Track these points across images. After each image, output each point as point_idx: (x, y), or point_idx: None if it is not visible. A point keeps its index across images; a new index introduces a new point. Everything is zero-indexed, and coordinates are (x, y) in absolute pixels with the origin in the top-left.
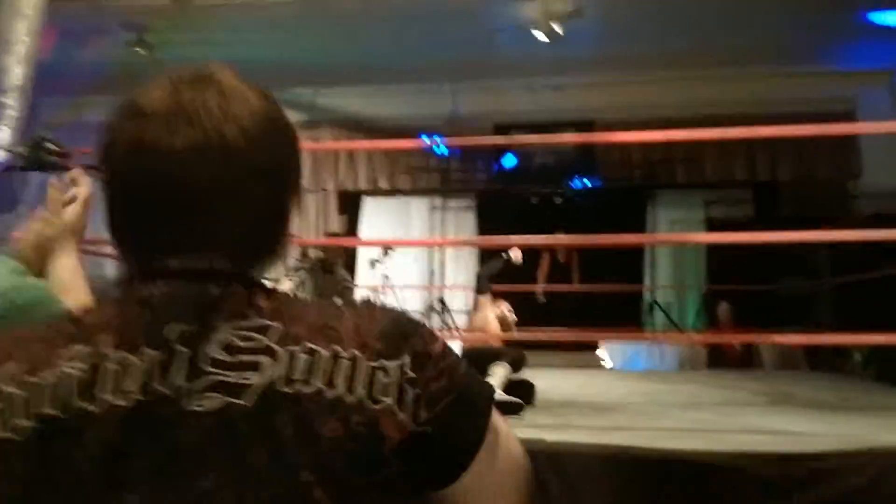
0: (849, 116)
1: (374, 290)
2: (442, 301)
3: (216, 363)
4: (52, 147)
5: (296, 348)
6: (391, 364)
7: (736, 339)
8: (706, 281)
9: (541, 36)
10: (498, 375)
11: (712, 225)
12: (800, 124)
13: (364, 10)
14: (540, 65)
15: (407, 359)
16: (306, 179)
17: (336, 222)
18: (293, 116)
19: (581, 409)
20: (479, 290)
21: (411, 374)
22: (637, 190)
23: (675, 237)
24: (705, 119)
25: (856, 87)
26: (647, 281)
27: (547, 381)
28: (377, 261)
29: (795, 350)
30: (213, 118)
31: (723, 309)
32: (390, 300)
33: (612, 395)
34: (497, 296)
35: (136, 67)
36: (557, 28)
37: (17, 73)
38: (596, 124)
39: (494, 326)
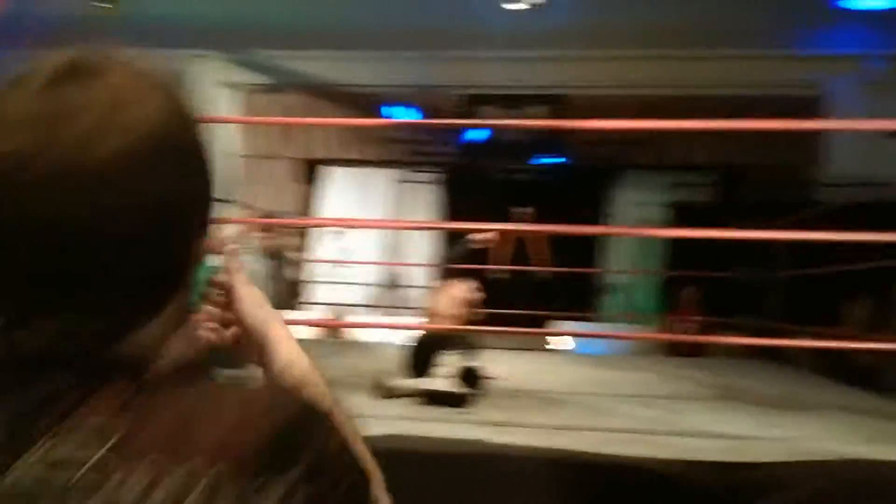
0: (817, 101)
1: (332, 263)
2: (397, 279)
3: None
4: None
5: (133, 466)
6: (275, 482)
7: (688, 339)
8: (666, 265)
9: (515, 6)
10: (448, 363)
11: (676, 208)
12: (768, 107)
13: None
14: (512, 36)
15: (298, 472)
16: (269, 146)
17: (297, 191)
18: (259, 79)
19: (528, 401)
20: (442, 274)
21: (302, 491)
22: (603, 170)
23: (632, 232)
24: (676, 98)
25: (824, 71)
26: (607, 263)
27: (497, 365)
28: (336, 233)
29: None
30: (88, 133)
31: (688, 292)
32: (348, 274)
33: (561, 384)
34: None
35: (100, 22)
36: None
37: None
38: (567, 99)
39: (454, 309)
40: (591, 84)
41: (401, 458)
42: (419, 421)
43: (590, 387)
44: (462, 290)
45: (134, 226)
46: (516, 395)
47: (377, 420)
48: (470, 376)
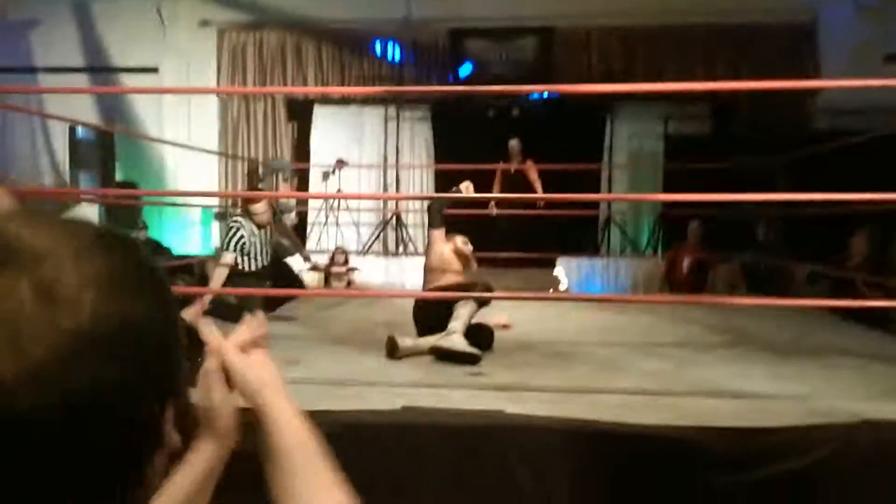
0: (810, 27)
1: (327, 204)
2: (398, 218)
3: None
4: None
5: None
6: None
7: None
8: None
9: None
10: (461, 318)
11: (670, 141)
12: (762, 35)
13: None
14: None
15: None
16: (255, 83)
17: (285, 131)
18: (237, 17)
19: (539, 358)
20: (431, 224)
21: None
22: (596, 103)
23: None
24: (667, 28)
25: None
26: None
27: (504, 311)
28: (329, 174)
29: (738, 272)
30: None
31: (693, 227)
32: (343, 216)
33: (569, 333)
34: (451, 226)
35: None
36: None
37: None
38: (556, 32)
39: (450, 260)
40: (581, 14)
41: (419, 431)
42: (434, 387)
43: (598, 336)
44: (455, 243)
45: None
46: (527, 350)
47: (393, 388)
48: (479, 334)
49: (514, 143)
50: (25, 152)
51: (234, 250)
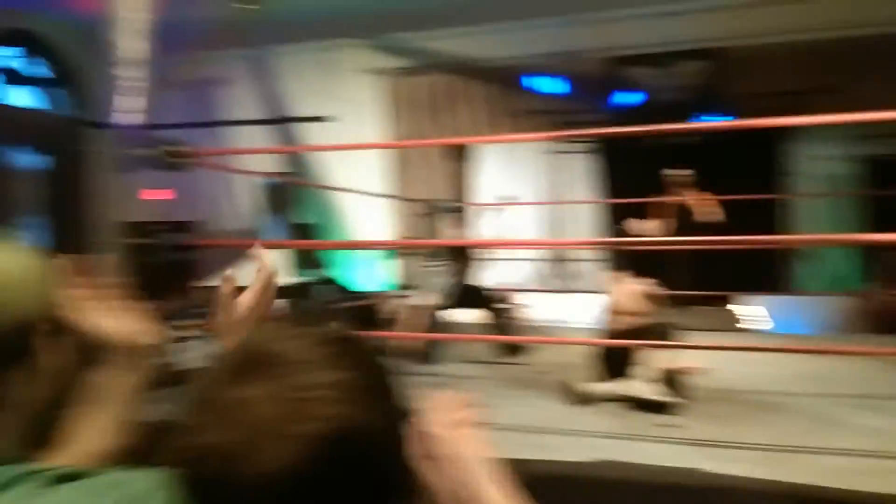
0: None
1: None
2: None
3: None
4: (176, 149)
5: None
6: None
7: None
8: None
9: None
10: (649, 364)
11: (871, 163)
12: None
13: None
14: None
15: None
16: (419, 129)
17: (452, 171)
18: (404, 62)
19: (740, 408)
20: (613, 265)
21: None
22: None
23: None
24: (849, 41)
25: None
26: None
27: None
28: (494, 211)
29: None
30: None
31: None
32: (508, 252)
33: (768, 380)
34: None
35: (248, 22)
36: None
37: (136, 48)
38: (727, 52)
39: (634, 302)
40: (755, 32)
41: (612, 486)
42: (625, 438)
43: (804, 384)
44: (642, 287)
45: None
46: (725, 399)
47: (584, 437)
48: (672, 379)
49: (674, 172)
50: (217, 198)
51: None
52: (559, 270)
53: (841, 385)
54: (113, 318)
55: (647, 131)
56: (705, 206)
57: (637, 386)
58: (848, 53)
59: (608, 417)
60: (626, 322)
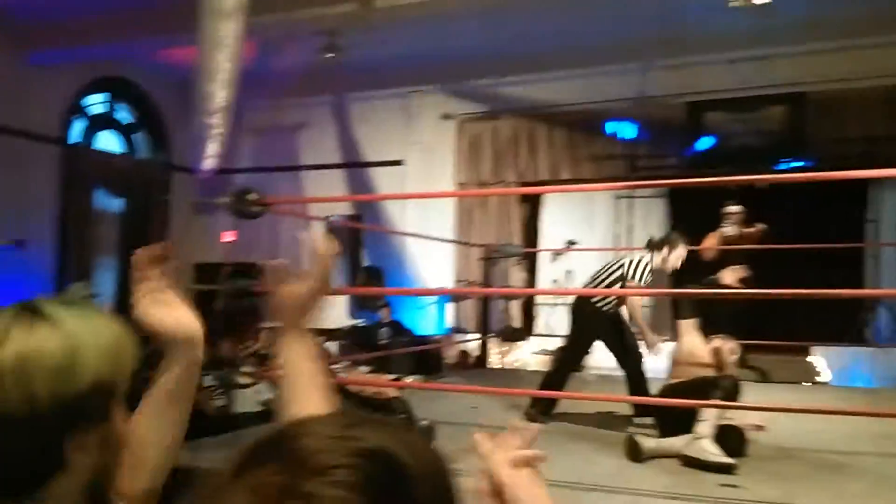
0: None
1: (556, 284)
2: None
3: None
4: (254, 198)
5: None
6: None
7: None
8: None
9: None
10: (709, 420)
11: None
12: None
13: None
14: (739, 36)
15: None
16: (488, 172)
17: (517, 215)
18: (475, 107)
19: (803, 468)
20: (680, 314)
21: None
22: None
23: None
24: None
25: None
26: (868, 279)
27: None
28: (559, 254)
29: None
30: None
31: None
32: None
33: (835, 439)
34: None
35: (328, 70)
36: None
37: (221, 96)
38: (807, 97)
39: (701, 354)
40: (835, 77)
41: None
42: (683, 499)
43: (873, 444)
44: (713, 339)
45: None
46: (787, 458)
47: (638, 497)
48: (730, 437)
49: (734, 209)
50: (290, 242)
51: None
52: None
53: None
54: (171, 310)
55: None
56: (754, 236)
57: (696, 446)
58: None
59: (666, 475)
60: (690, 373)
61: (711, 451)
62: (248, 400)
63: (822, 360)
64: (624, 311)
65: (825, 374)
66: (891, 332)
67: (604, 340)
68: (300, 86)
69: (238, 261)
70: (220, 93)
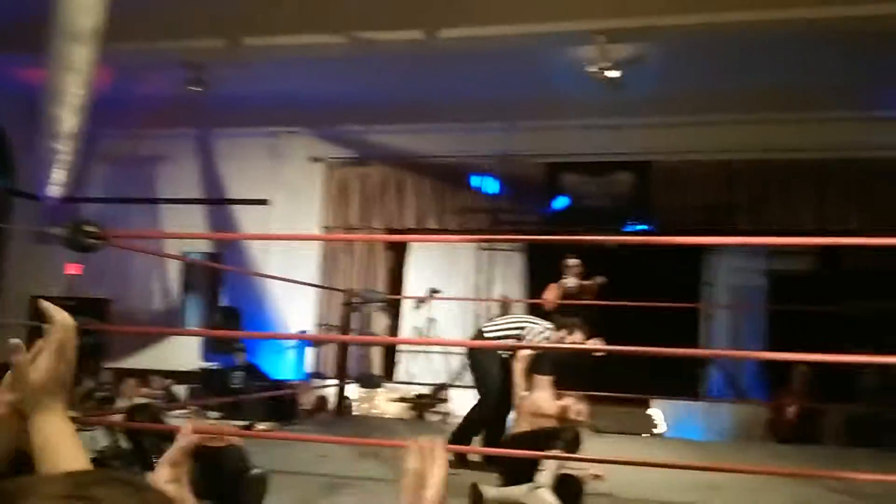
0: None
1: (417, 331)
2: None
3: None
4: (91, 230)
5: None
6: None
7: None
8: (768, 339)
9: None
10: (549, 469)
11: (774, 277)
12: (873, 170)
13: (415, 50)
14: (596, 105)
15: None
16: (355, 217)
17: (382, 262)
18: (344, 153)
19: None
20: (539, 369)
21: None
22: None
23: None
24: (768, 163)
25: None
26: (702, 337)
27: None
28: (422, 301)
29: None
30: None
31: (799, 372)
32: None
33: (668, 490)
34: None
35: (192, 103)
36: (615, 73)
37: (70, 121)
38: (653, 166)
39: (550, 409)
40: (679, 148)
41: None
42: None
43: (702, 495)
44: (569, 403)
45: None
46: None
47: None
48: (568, 487)
49: (573, 261)
50: (141, 276)
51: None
52: None
53: (736, 496)
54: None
55: (573, 239)
56: (592, 288)
57: (536, 495)
58: (771, 173)
59: None
60: (535, 425)
61: (549, 500)
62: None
63: (659, 412)
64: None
65: (662, 426)
66: (721, 387)
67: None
68: (161, 117)
69: (83, 295)
70: (69, 118)
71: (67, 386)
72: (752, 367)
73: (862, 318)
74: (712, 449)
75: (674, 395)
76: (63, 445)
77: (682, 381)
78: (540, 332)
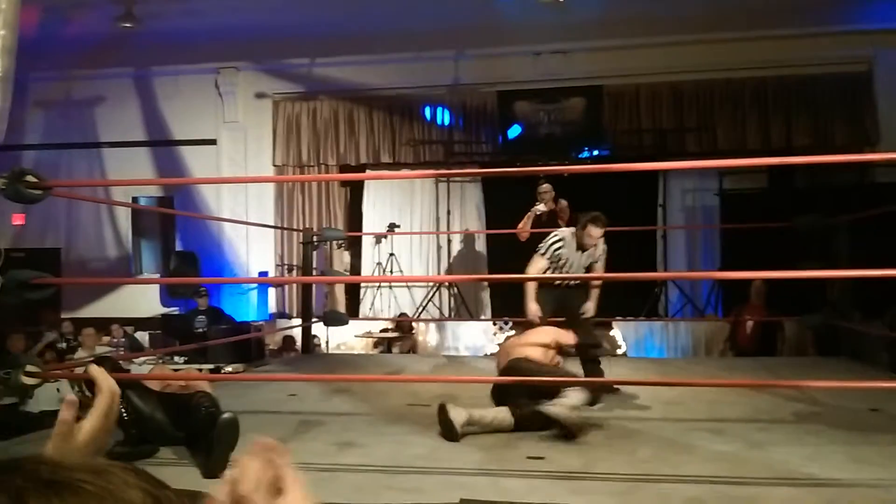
0: (866, 77)
1: (380, 268)
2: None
3: None
4: (32, 180)
5: None
6: None
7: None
8: (722, 259)
9: None
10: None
11: (726, 196)
12: (817, 86)
13: None
14: (544, 30)
15: None
16: (307, 155)
17: (338, 198)
18: (291, 88)
19: (600, 437)
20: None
21: None
22: (648, 160)
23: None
24: (717, 83)
25: (873, 46)
26: (659, 258)
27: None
28: (381, 239)
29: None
30: None
31: (756, 286)
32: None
33: (631, 407)
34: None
35: (125, 41)
36: None
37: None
38: (604, 90)
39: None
40: (629, 71)
41: None
42: (493, 475)
43: (663, 411)
44: (563, 334)
45: None
46: (589, 428)
47: (451, 476)
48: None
49: (545, 187)
50: (91, 224)
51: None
52: (447, 300)
53: (693, 410)
54: None
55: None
56: (564, 211)
57: (559, 406)
58: (718, 93)
59: (477, 452)
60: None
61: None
62: (49, 398)
63: (619, 333)
64: None
65: (623, 347)
66: (680, 306)
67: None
68: (95, 57)
69: (29, 246)
70: None
71: (102, 452)
72: (708, 285)
73: (812, 233)
74: (673, 366)
75: (634, 315)
76: None
77: (641, 302)
78: (556, 236)
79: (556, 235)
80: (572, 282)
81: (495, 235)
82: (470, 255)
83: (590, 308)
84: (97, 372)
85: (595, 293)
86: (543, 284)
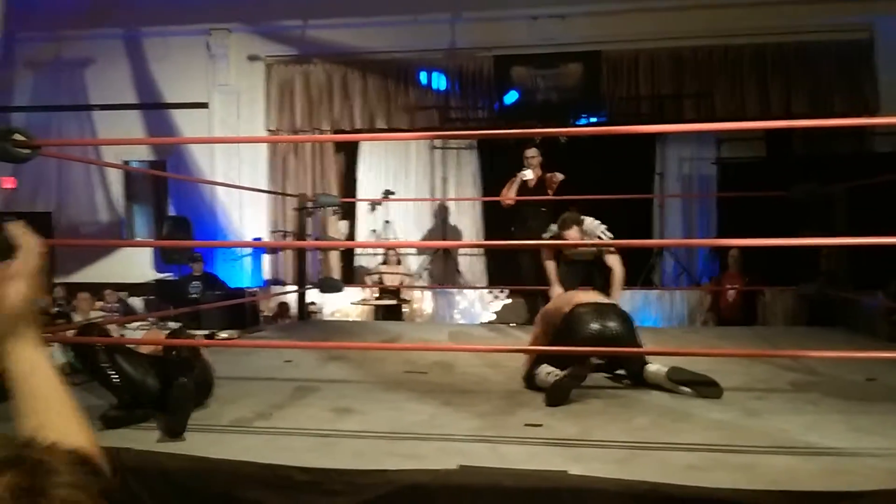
0: (866, 45)
1: (375, 234)
2: (448, 251)
3: None
4: (20, 138)
5: None
6: None
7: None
8: (716, 228)
9: None
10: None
11: (722, 165)
12: (814, 53)
13: None
14: None
15: None
16: (301, 119)
17: (332, 164)
18: (284, 51)
19: (599, 404)
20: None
21: None
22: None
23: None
24: (716, 50)
25: (873, 13)
26: (655, 229)
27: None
28: (377, 204)
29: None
30: None
31: (732, 255)
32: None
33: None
34: None
35: (114, 1)
36: None
37: None
38: (602, 55)
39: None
40: (627, 37)
41: (477, 494)
42: (491, 442)
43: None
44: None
45: None
46: (586, 396)
47: (449, 442)
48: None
49: (532, 151)
50: (82, 188)
51: None
52: (444, 266)
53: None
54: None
55: (524, 133)
56: (552, 181)
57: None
58: (717, 59)
59: (475, 419)
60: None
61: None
62: None
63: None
64: None
65: None
66: (675, 276)
67: None
68: (84, 17)
69: (20, 210)
70: None
71: (36, 311)
72: (704, 253)
73: (809, 202)
74: (668, 334)
75: (630, 284)
76: (41, 377)
77: (637, 271)
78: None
79: (547, 233)
80: (586, 256)
81: (491, 203)
82: (466, 223)
83: (615, 298)
84: (16, 230)
85: (617, 286)
86: (561, 264)
